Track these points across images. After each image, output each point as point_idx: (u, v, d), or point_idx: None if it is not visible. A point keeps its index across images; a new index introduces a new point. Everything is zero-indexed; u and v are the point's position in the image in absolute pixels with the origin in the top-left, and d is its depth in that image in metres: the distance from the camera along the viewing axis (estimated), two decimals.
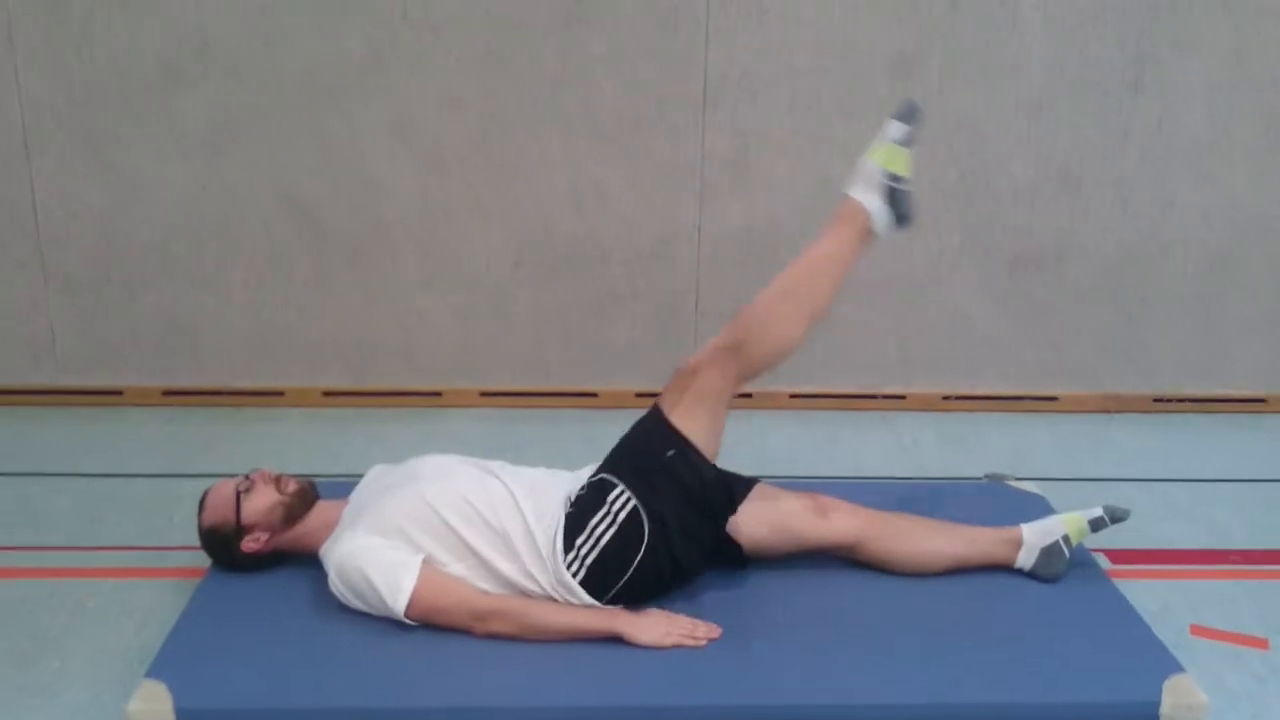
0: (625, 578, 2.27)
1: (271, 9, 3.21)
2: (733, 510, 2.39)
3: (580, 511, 2.29)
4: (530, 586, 2.29)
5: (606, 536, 2.26)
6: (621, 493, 2.28)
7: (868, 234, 2.40)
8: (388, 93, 3.29)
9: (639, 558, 2.26)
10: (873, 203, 2.38)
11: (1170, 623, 2.45)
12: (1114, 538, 2.67)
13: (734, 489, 2.40)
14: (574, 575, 2.26)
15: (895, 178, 2.39)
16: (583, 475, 2.43)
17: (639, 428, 2.38)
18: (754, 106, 3.33)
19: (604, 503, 2.28)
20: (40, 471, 3.12)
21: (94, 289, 3.45)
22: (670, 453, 2.28)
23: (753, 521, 2.42)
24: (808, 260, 2.38)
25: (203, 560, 2.51)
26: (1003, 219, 3.45)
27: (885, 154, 2.38)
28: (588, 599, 2.28)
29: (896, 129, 2.38)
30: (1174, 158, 3.41)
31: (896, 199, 2.39)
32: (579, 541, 2.26)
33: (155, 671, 2.14)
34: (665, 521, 2.27)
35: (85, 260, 3.42)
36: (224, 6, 3.20)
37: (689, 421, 2.31)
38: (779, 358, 2.37)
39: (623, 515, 2.26)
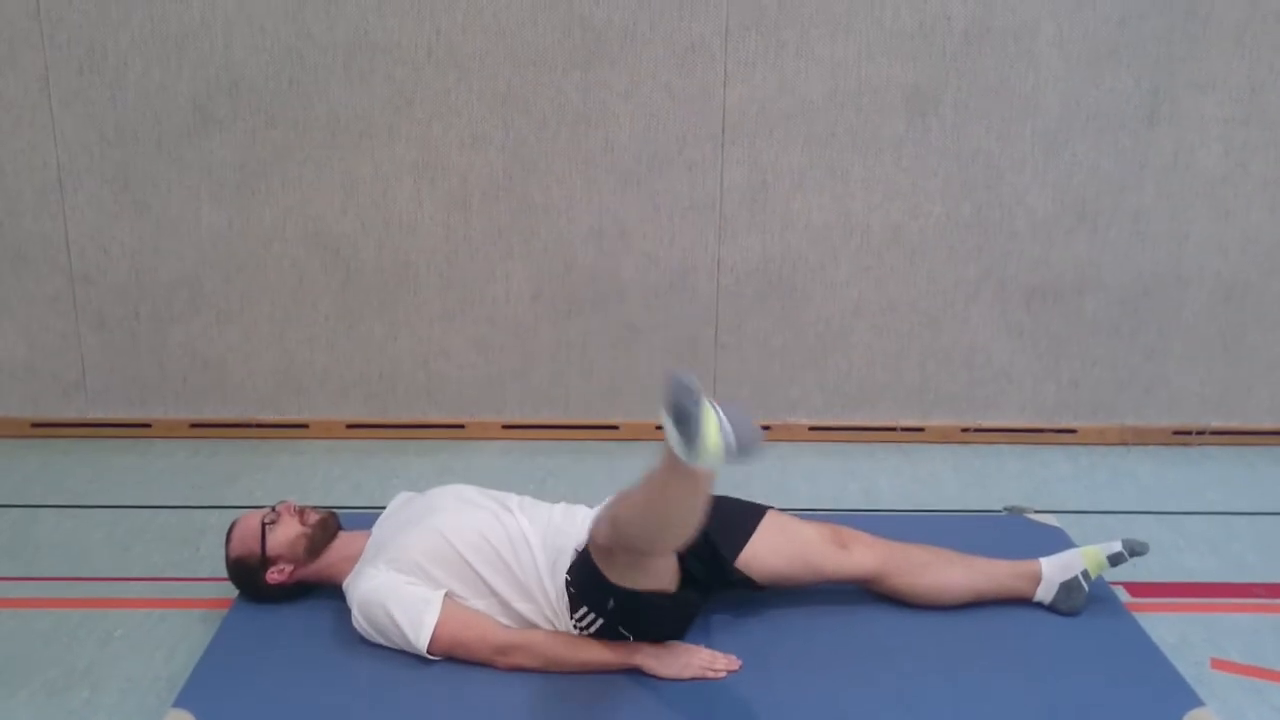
0: (631, 639, 2.30)
1: (298, 51, 3.28)
2: (719, 561, 2.36)
3: (571, 596, 2.26)
4: (547, 627, 2.31)
5: (593, 627, 2.27)
6: (587, 614, 2.26)
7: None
8: (412, 131, 3.35)
9: (633, 637, 2.29)
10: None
11: (1190, 656, 2.45)
12: (1133, 571, 2.67)
13: (713, 540, 2.33)
14: (582, 634, 2.30)
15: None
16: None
17: (582, 566, 2.22)
18: (771, 142, 3.37)
19: (579, 610, 2.26)
20: (70, 504, 3.17)
21: (124, 324, 3.51)
22: (611, 602, 2.21)
23: (770, 554, 2.43)
24: (664, 498, 2.01)
25: (230, 591, 2.55)
26: (1020, 252, 3.47)
27: (694, 457, 1.87)
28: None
29: (674, 439, 1.88)
30: (1190, 191, 3.42)
31: (734, 455, 1.90)
32: (576, 615, 2.28)
33: (182, 701, 2.17)
34: (642, 627, 2.27)
35: (116, 296, 3.48)
36: (252, 49, 3.28)
37: (622, 577, 2.18)
38: (676, 550, 2.21)
39: (600, 625, 2.26)
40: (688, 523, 2.02)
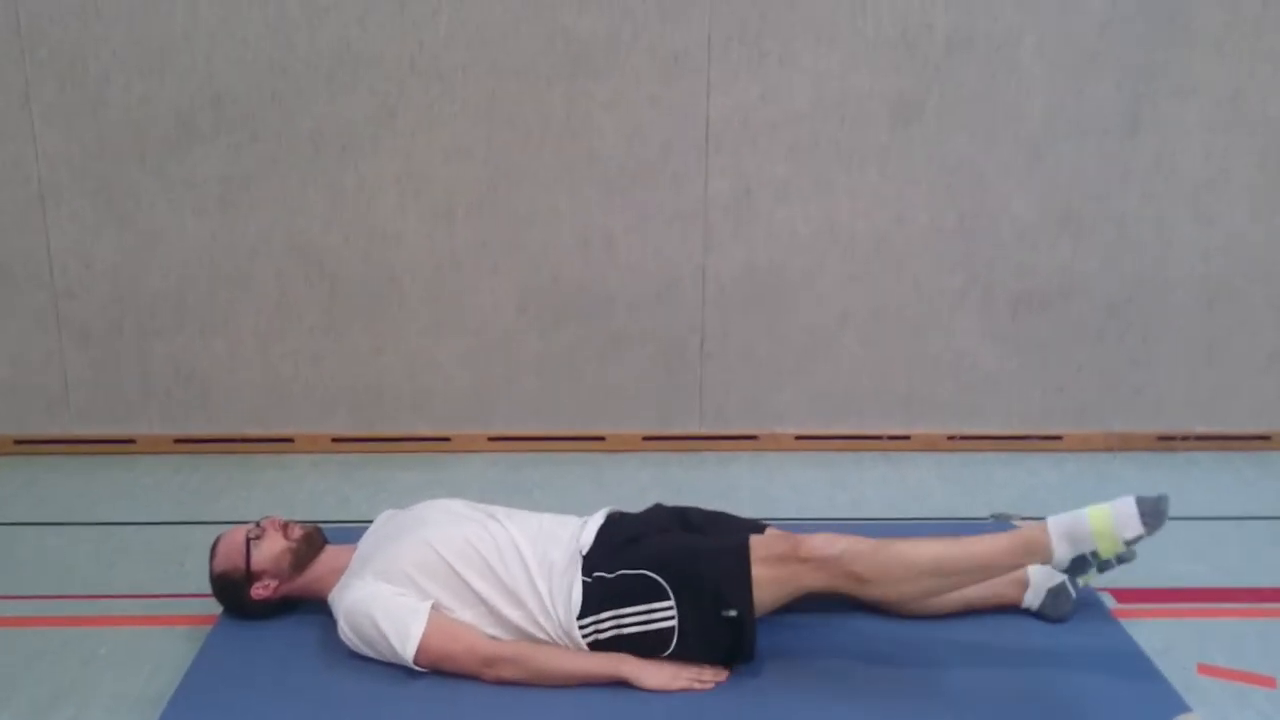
0: (640, 654, 2.29)
1: (281, 64, 3.27)
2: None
3: (611, 592, 2.26)
4: (537, 634, 2.31)
5: (632, 631, 2.26)
6: (669, 610, 2.24)
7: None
8: (396, 143, 3.35)
9: (651, 654, 2.27)
10: (1061, 551, 2.26)
11: (1177, 662, 2.45)
12: (1120, 576, 2.66)
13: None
14: (584, 639, 2.28)
15: (1096, 556, 2.27)
16: (591, 524, 2.45)
17: (718, 556, 2.28)
18: (755, 151, 3.37)
19: (647, 606, 2.25)
20: (53, 520, 3.15)
21: (107, 339, 3.49)
22: (732, 613, 2.23)
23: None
24: (964, 551, 2.29)
25: (214, 608, 2.54)
26: (1004, 259, 3.48)
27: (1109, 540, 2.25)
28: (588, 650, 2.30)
29: (1128, 536, 2.26)
30: (1173, 197, 3.44)
31: (1075, 567, 2.26)
32: (603, 617, 2.26)
33: (167, 719, 2.16)
34: (692, 646, 2.26)
35: (99, 311, 3.47)
36: (235, 62, 3.27)
37: (766, 592, 2.25)
38: (882, 602, 2.42)
39: (659, 626, 2.25)
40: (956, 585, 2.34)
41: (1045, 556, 2.26)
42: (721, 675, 2.29)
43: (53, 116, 3.30)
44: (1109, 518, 2.25)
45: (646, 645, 2.26)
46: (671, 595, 2.24)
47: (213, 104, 3.30)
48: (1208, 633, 2.59)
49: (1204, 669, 2.45)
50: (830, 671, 2.33)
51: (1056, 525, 2.27)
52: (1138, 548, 2.46)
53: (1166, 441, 3.63)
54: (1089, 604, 2.55)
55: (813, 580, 2.28)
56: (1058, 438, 3.63)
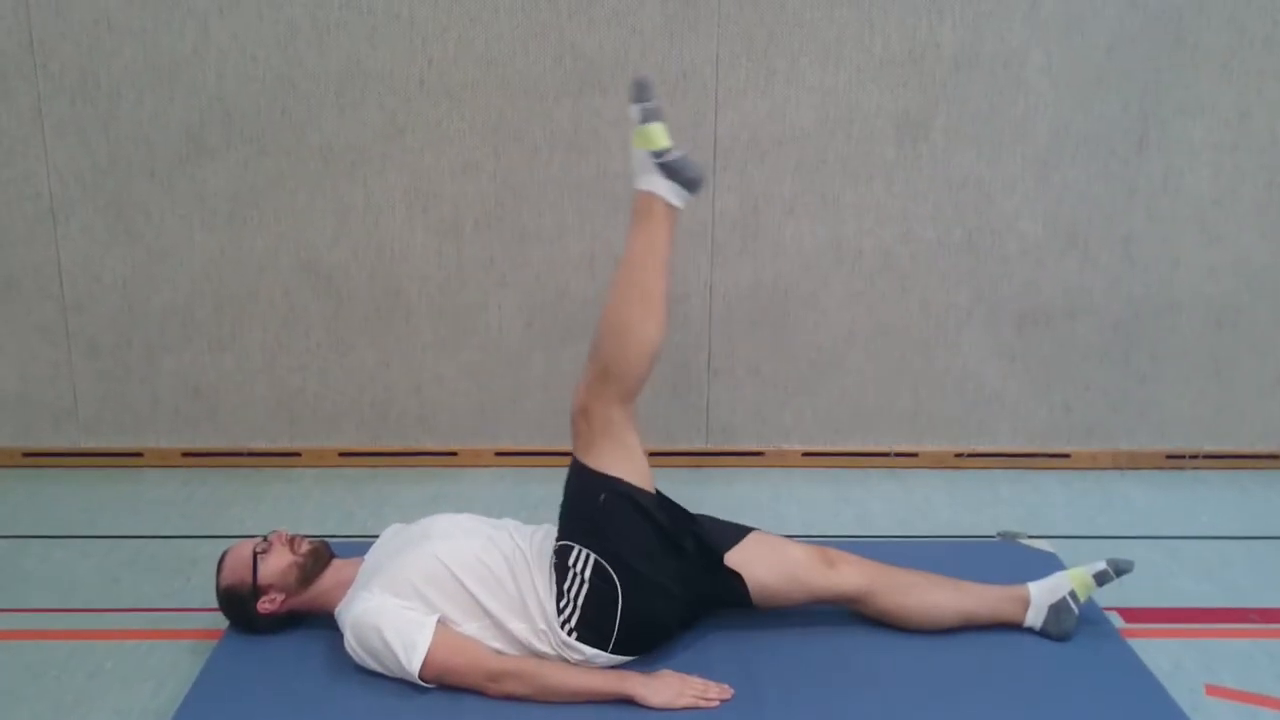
0: (617, 625, 2.30)
1: (291, 80, 3.29)
2: (691, 522, 2.44)
3: (556, 580, 2.33)
4: (541, 647, 2.31)
5: (582, 596, 2.30)
6: (580, 553, 2.32)
7: (669, 212, 2.43)
8: (404, 159, 3.36)
9: (620, 605, 2.29)
10: (657, 184, 2.41)
11: (1184, 682, 2.44)
12: (1127, 596, 2.66)
13: (699, 535, 2.43)
14: (570, 634, 2.30)
15: (660, 153, 2.39)
16: None
17: (569, 486, 2.44)
18: (762, 168, 3.38)
19: (568, 567, 2.33)
20: (60, 534, 3.16)
21: (116, 353, 3.50)
22: (602, 496, 2.33)
23: (760, 564, 2.43)
24: (629, 261, 2.44)
25: (220, 622, 2.54)
26: (1011, 277, 3.48)
27: (642, 138, 2.40)
28: (591, 651, 2.30)
29: (637, 111, 2.41)
30: (1180, 216, 3.44)
31: (674, 170, 2.39)
32: (562, 605, 2.31)
33: None
34: (630, 565, 2.30)
35: (107, 325, 3.48)
36: (245, 78, 3.29)
37: (604, 460, 2.36)
38: (647, 360, 2.42)
39: (589, 572, 2.31)
40: (646, 281, 2.40)
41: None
42: (727, 693, 2.28)
43: (64, 131, 3.32)
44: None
45: (605, 599, 2.29)
46: (574, 540, 2.34)
47: (222, 119, 3.32)
48: (1216, 653, 2.57)
49: (1212, 690, 2.43)
50: (833, 689, 2.33)
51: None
52: (1145, 568, 2.47)
53: (1175, 460, 3.62)
54: (1096, 623, 2.54)
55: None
56: (1065, 455, 3.62)
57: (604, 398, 2.36)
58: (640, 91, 2.41)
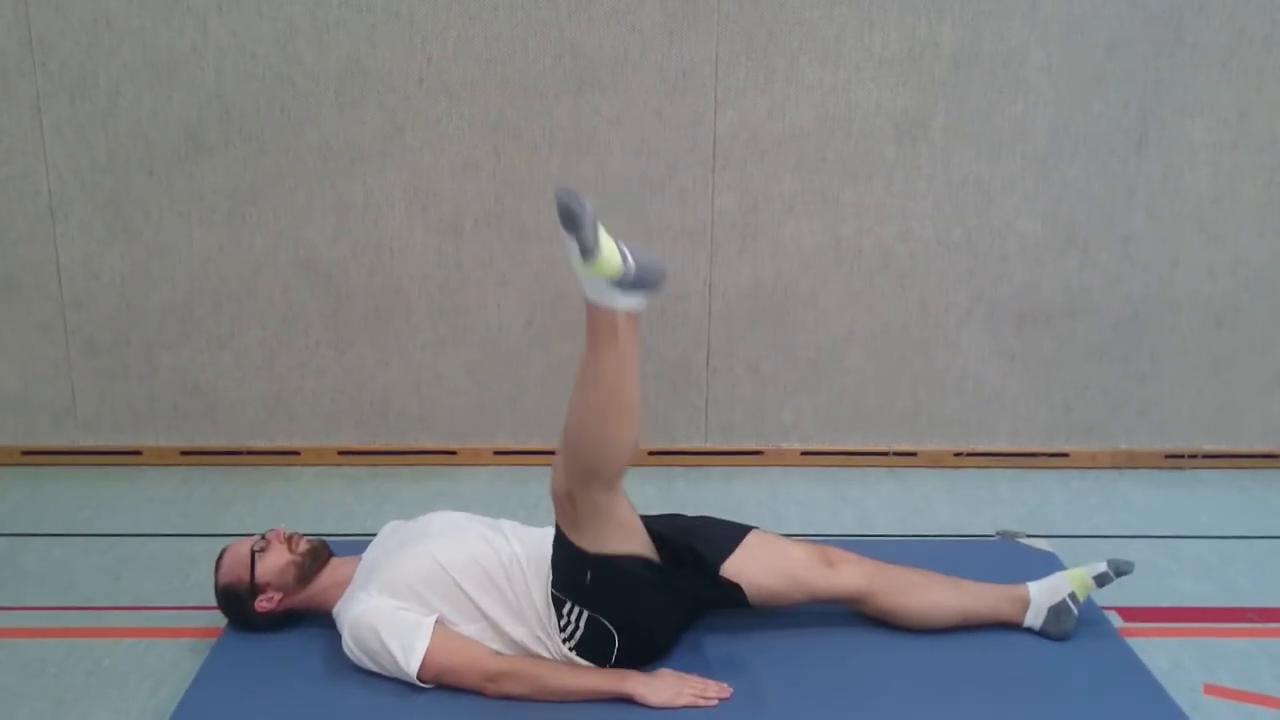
0: (615, 655, 2.30)
1: (290, 78, 3.29)
2: (689, 536, 2.40)
3: (556, 605, 2.30)
4: (539, 650, 2.31)
5: (577, 637, 2.29)
6: (573, 609, 2.28)
7: (633, 319, 2.14)
8: (403, 157, 3.36)
9: (617, 642, 2.29)
10: (618, 300, 2.12)
11: (1183, 682, 2.44)
12: (1125, 595, 2.66)
13: (695, 548, 2.38)
14: (571, 651, 2.30)
15: (619, 278, 2.09)
16: None
17: (557, 549, 2.30)
18: (762, 167, 3.38)
19: (563, 614, 2.29)
20: (59, 532, 3.16)
21: (115, 351, 3.50)
22: (589, 575, 2.24)
23: (757, 567, 2.42)
24: (599, 381, 2.15)
25: (218, 620, 2.54)
26: (1010, 276, 3.48)
27: (591, 269, 2.07)
28: (592, 665, 2.30)
29: (574, 246, 2.06)
30: (1180, 215, 3.44)
31: (637, 282, 2.10)
32: (562, 624, 2.29)
33: None
34: (623, 617, 2.28)
35: (106, 323, 3.48)
36: (244, 77, 3.29)
37: (590, 539, 2.23)
38: (633, 454, 2.24)
39: (583, 621, 2.28)
40: (624, 396, 2.13)
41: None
42: (726, 692, 2.28)
43: (63, 129, 3.32)
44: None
45: (602, 640, 2.28)
46: (566, 595, 2.28)
47: (221, 117, 3.32)
48: (1215, 652, 2.57)
49: (1211, 689, 2.44)
50: (832, 687, 2.32)
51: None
52: (1144, 568, 2.47)
53: (1174, 460, 3.62)
54: (1095, 623, 2.54)
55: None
56: (1064, 455, 3.62)
57: (589, 488, 2.20)
58: (570, 219, 2.01)
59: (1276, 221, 3.44)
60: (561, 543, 2.27)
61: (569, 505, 2.22)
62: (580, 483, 2.19)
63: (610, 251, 2.06)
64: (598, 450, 2.17)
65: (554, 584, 2.29)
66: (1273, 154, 3.38)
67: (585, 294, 2.12)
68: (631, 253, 2.08)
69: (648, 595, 2.29)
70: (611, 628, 2.27)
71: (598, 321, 2.12)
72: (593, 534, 2.22)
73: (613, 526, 2.24)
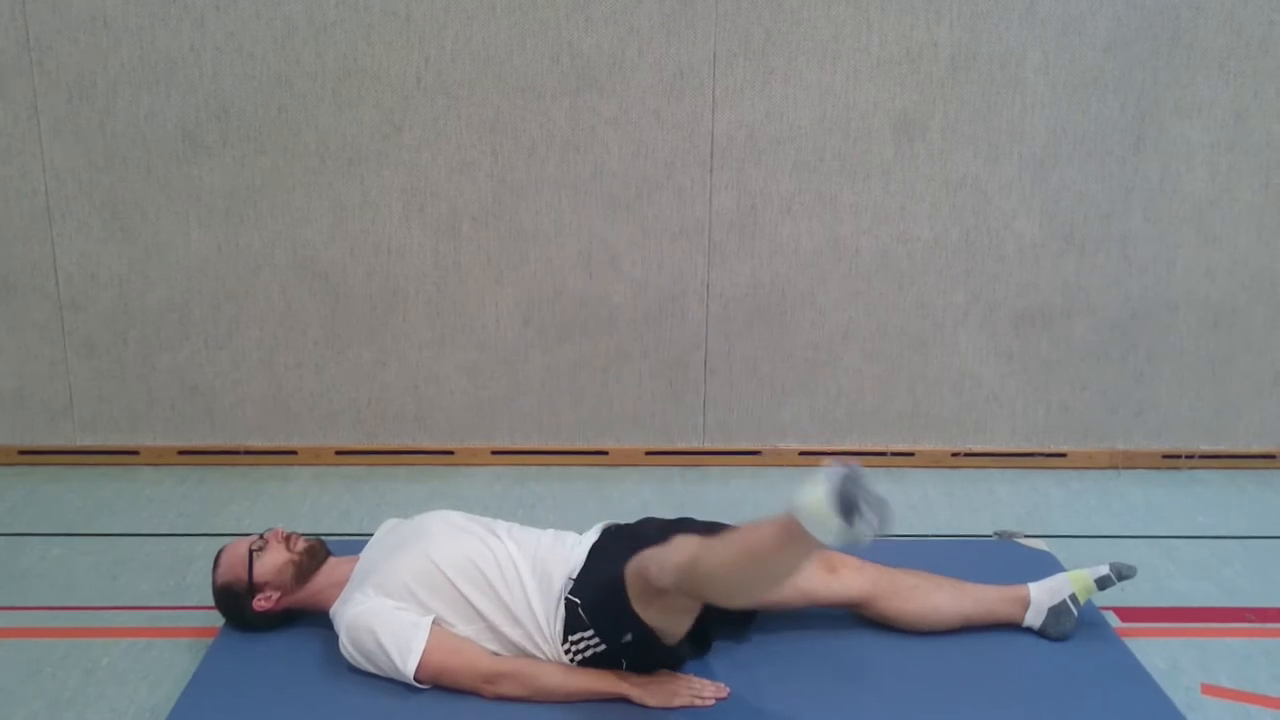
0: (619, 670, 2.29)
1: (287, 78, 3.29)
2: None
3: (571, 618, 2.26)
4: (535, 652, 2.30)
5: (586, 656, 2.27)
6: (595, 640, 2.24)
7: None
8: (401, 157, 3.36)
9: (624, 666, 2.28)
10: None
11: (1181, 682, 2.44)
12: (1123, 595, 2.66)
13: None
14: (572, 661, 2.28)
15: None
16: (584, 542, 2.44)
17: (608, 593, 2.20)
18: (760, 167, 3.38)
19: (581, 637, 2.25)
20: (57, 531, 3.15)
21: (112, 351, 3.50)
22: (629, 635, 2.20)
23: None
24: (758, 558, 2.04)
25: (216, 620, 2.54)
26: (1008, 276, 3.48)
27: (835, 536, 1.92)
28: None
29: (831, 512, 1.89)
30: (1177, 216, 3.44)
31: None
32: (573, 638, 2.27)
33: None
34: (645, 662, 2.26)
35: (104, 323, 3.48)
36: (241, 76, 3.28)
37: (651, 613, 2.17)
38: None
39: (598, 654, 2.26)
40: (784, 580, 2.17)
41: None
42: (723, 692, 2.28)
43: (60, 129, 3.31)
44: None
45: (613, 662, 2.26)
46: (590, 620, 2.23)
47: (219, 117, 3.31)
48: (1213, 652, 2.58)
49: (1208, 689, 2.44)
50: (830, 688, 2.33)
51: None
52: (1142, 568, 2.47)
53: (1171, 460, 3.62)
54: (1093, 623, 2.54)
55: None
56: (1062, 455, 3.62)
57: (687, 597, 2.15)
58: (849, 509, 1.87)
59: (1274, 222, 3.45)
60: (615, 596, 2.18)
61: (656, 592, 2.13)
62: (684, 594, 2.12)
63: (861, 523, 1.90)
64: (718, 599, 2.16)
65: (584, 609, 2.23)
66: (1270, 155, 3.39)
67: (798, 514, 1.91)
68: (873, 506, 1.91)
69: (673, 656, 2.29)
70: (624, 662, 2.27)
71: (796, 534, 1.92)
72: (655, 611, 2.17)
73: (678, 613, 2.19)
